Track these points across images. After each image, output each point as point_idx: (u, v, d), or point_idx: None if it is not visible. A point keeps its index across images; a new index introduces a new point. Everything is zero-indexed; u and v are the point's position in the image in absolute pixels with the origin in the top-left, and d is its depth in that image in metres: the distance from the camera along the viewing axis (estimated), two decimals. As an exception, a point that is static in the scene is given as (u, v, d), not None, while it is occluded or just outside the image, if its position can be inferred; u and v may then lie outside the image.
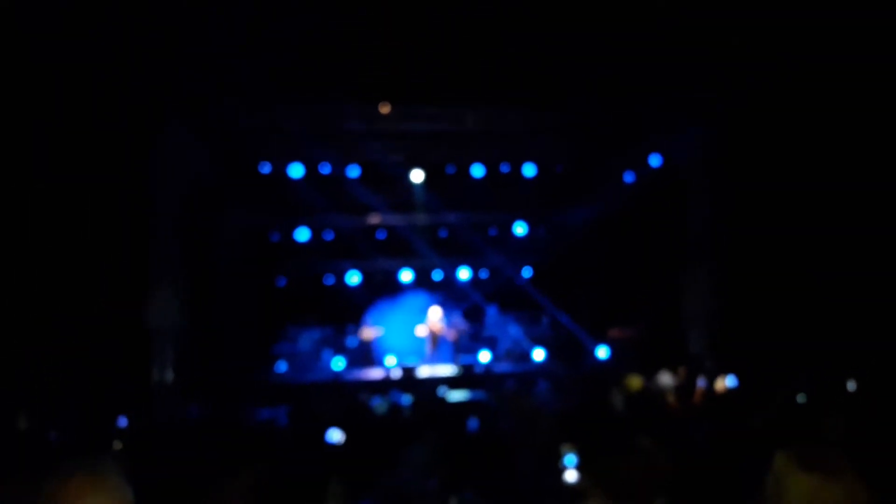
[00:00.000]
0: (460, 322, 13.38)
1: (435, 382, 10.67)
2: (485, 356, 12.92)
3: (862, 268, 8.23)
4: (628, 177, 11.90)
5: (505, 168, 12.03)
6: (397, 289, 15.00)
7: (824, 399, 5.16)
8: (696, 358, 10.07)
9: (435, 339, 13.05)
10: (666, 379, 8.40)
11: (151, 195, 9.27)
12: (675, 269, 10.60)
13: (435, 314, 13.25)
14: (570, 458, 2.45)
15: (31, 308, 8.06)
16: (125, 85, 7.69)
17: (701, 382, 7.46)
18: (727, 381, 7.11)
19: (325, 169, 11.56)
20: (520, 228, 14.65)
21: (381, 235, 14.34)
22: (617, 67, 7.81)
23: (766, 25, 6.96)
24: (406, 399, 8.64)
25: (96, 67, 7.23)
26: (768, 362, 8.42)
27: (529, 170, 12.00)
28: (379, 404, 8.15)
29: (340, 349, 13.17)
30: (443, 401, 8.00)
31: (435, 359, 12.94)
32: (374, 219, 13.60)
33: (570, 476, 2.43)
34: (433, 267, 15.00)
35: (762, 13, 6.84)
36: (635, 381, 7.70)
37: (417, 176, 11.96)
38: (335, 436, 5.09)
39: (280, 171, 11.44)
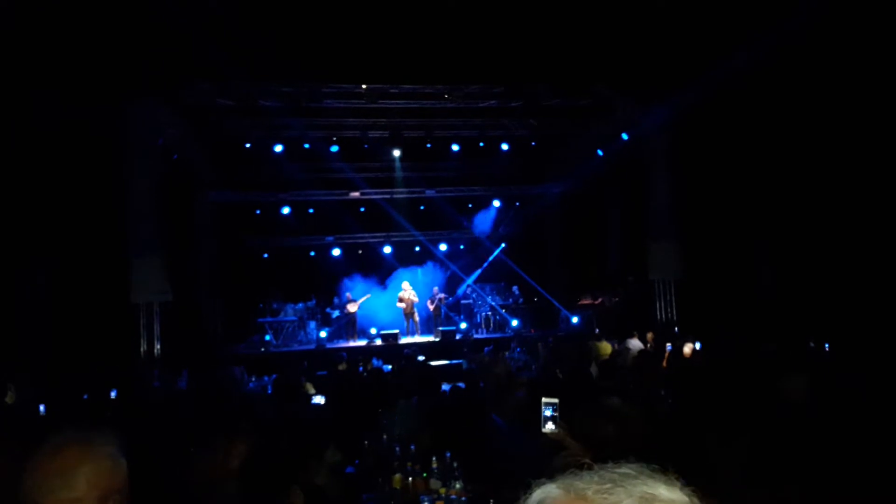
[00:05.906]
0: (439, 292, 13.72)
1: (415, 350, 10.97)
2: (462, 324, 13.45)
3: (823, 237, 8.51)
4: (598, 153, 12.14)
5: (481, 144, 12.28)
6: (378, 261, 15.35)
7: (786, 362, 5.34)
8: (664, 324, 10.47)
9: (414, 308, 13.39)
10: (634, 344, 8.77)
11: (131, 171, 9.30)
12: (643, 239, 10.91)
13: (414, 285, 13.62)
14: (549, 409, 2.64)
15: (20, 286, 8.10)
16: (102, 62, 7.63)
17: (668, 347, 7.78)
18: (693, 346, 7.44)
19: (307, 144, 11.70)
20: (495, 202, 15.03)
21: (361, 209, 14.60)
22: (586, 49, 7.99)
23: (725, 14, 7.17)
24: (388, 366, 8.91)
25: (74, 45, 7.16)
26: (732, 328, 8.80)
27: (504, 145, 12.26)
28: (361, 372, 8.42)
29: (323, 320, 13.46)
30: (423, 367, 8.26)
31: (415, 328, 13.38)
32: (355, 193, 13.82)
33: (549, 426, 2.62)
34: (412, 240, 15.31)
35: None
36: (605, 347, 8.07)
37: (396, 151, 12.16)
38: (318, 401, 5.33)
39: (261, 146, 11.52)
